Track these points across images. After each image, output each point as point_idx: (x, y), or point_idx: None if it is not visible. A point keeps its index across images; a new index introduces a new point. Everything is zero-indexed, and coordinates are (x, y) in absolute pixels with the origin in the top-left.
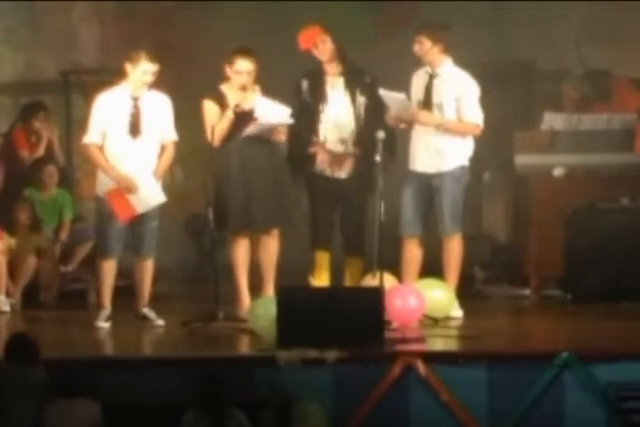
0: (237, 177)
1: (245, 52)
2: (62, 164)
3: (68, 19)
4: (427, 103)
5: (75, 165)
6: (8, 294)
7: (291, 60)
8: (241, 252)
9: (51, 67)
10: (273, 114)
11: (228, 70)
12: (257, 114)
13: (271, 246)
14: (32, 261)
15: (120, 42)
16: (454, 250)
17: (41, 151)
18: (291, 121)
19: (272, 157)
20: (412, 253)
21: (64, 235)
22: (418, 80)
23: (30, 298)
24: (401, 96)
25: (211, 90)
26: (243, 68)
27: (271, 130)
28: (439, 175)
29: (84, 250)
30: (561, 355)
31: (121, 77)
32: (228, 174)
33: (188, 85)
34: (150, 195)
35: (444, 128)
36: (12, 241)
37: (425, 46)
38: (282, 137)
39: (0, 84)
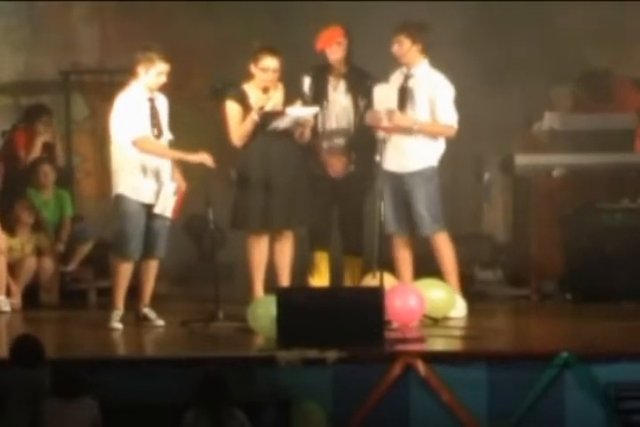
0: (258, 176)
1: (271, 49)
2: (62, 164)
3: (68, 19)
4: (401, 104)
5: (75, 165)
6: (8, 294)
7: (290, 60)
8: (259, 251)
9: (51, 67)
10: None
11: (253, 68)
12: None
13: (288, 246)
14: (32, 261)
15: (120, 42)
16: (445, 249)
17: (37, 154)
18: (317, 109)
19: (292, 157)
20: (400, 252)
21: (64, 235)
22: (394, 81)
23: (30, 298)
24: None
25: (209, 90)
26: (269, 65)
27: (299, 123)
28: (409, 175)
29: (84, 250)
30: (561, 355)
31: (124, 77)
32: (248, 174)
33: (187, 86)
34: (165, 200)
35: (418, 128)
36: (13, 241)
37: (404, 46)
38: (306, 136)
39: (0, 84)
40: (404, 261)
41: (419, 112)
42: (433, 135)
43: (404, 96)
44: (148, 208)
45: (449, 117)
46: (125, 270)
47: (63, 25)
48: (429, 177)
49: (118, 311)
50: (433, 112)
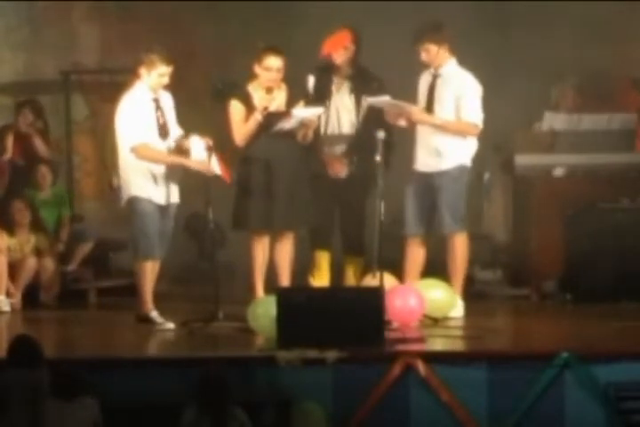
0: (259, 177)
1: (275, 49)
2: (44, 153)
3: (68, 19)
4: (429, 103)
5: (75, 165)
6: (8, 294)
7: (290, 61)
8: (261, 252)
9: (51, 67)
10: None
11: (257, 68)
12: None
13: (288, 246)
14: (32, 261)
15: (120, 42)
16: (457, 250)
17: (9, 145)
18: (322, 110)
19: (294, 158)
20: (415, 252)
21: (64, 234)
22: (423, 81)
23: (30, 298)
24: (385, 98)
25: (209, 90)
26: (272, 64)
27: (303, 124)
28: (439, 174)
29: (84, 250)
30: (561, 355)
31: (125, 78)
32: (249, 174)
33: (187, 86)
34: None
35: (440, 127)
36: (11, 241)
37: (432, 52)
38: (309, 137)
39: (0, 84)
40: (415, 262)
41: (445, 110)
42: (457, 134)
43: (432, 95)
44: (160, 209)
45: (474, 116)
46: (150, 270)
47: (63, 25)
48: (458, 177)
49: (155, 312)
50: (458, 110)
